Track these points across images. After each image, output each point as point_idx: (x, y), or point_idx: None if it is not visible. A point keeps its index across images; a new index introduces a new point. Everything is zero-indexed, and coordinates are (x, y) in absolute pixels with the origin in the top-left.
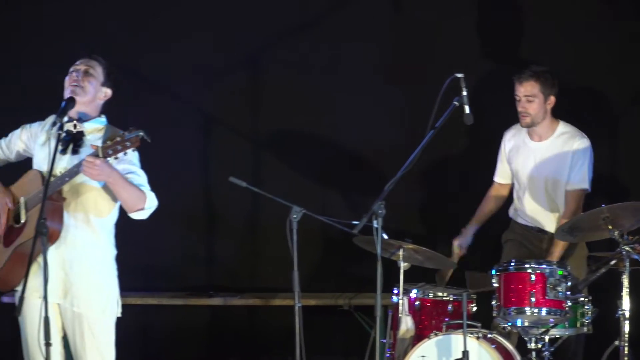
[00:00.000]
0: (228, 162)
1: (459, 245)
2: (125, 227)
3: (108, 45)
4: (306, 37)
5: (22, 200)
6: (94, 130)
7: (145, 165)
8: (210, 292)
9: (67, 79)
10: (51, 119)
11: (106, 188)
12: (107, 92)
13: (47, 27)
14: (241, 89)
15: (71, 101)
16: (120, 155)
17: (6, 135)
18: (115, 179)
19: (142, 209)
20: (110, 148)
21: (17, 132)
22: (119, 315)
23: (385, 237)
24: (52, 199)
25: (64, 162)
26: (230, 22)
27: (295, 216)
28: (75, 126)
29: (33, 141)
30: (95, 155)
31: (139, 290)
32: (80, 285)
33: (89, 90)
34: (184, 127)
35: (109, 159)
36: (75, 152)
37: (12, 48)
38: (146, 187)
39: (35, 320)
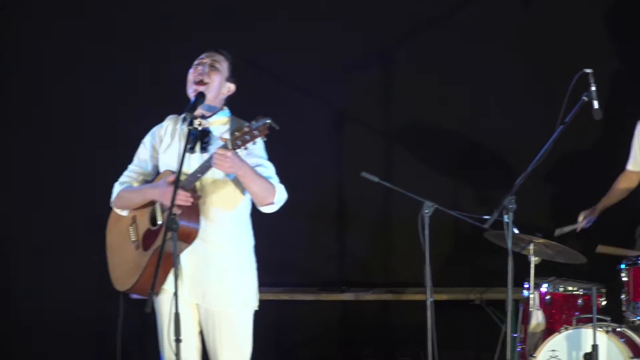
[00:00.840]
0: (360, 157)
1: (585, 217)
2: (257, 222)
3: (236, 39)
4: (438, 31)
5: (157, 202)
6: (219, 122)
7: (277, 160)
8: (342, 287)
9: (190, 71)
10: (169, 120)
11: (236, 182)
12: (231, 87)
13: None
14: (373, 84)
15: (201, 96)
16: (249, 145)
17: (130, 162)
18: (245, 172)
19: (272, 203)
20: (239, 139)
21: (141, 149)
22: (256, 308)
23: (516, 231)
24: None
25: (194, 161)
26: (361, 16)
27: (427, 211)
28: (200, 124)
29: (159, 146)
30: (225, 147)
31: (271, 285)
32: (218, 284)
33: (214, 85)
34: (316, 123)
35: (238, 150)
36: (204, 149)
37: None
38: (275, 179)
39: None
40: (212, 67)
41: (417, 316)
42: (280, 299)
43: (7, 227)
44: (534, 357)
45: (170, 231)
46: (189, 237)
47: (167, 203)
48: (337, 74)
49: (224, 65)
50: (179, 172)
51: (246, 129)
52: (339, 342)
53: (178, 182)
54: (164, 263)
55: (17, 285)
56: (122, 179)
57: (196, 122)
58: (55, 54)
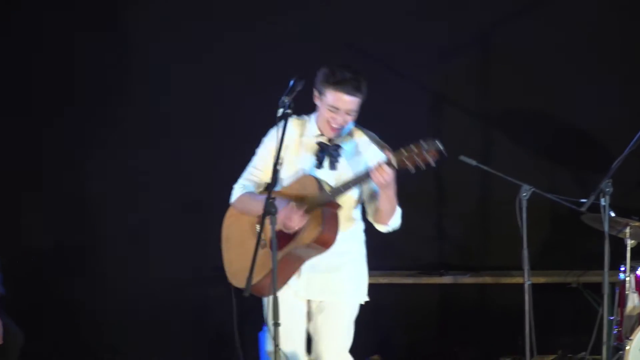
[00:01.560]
0: (458, 141)
1: None
2: None
3: (337, 22)
4: (536, 16)
5: (292, 204)
6: (345, 138)
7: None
8: (441, 271)
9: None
10: (290, 122)
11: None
12: (316, 96)
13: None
14: (470, 68)
15: (299, 80)
16: (412, 167)
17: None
18: (392, 191)
19: (387, 224)
20: (407, 159)
21: (263, 151)
22: (367, 299)
23: (613, 214)
24: (331, 206)
25: (322, 176)
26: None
27: (524, 194)
28: (330, 140)
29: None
30: (388, 163)
31: (370, 269)
32: (336, 283)
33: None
34: (413, 106)
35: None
36: (332, 166)
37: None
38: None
39: (285, 309)
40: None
41: (515, 299)
42: (380, 283)
43: (103, 211)
44: (630, 339)
45: (269, 215)
46: (326, 244)
47: (290, 226)
48: (436, 58)
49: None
50: (275, 165)
51: (416, 150)
52: (437, 325)
53: (273, 184)
54: (291, 264)
55: (113, 271)
56: (243, 181)
57: (324, 138)
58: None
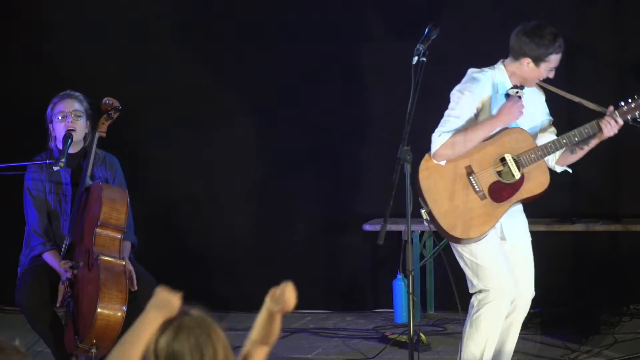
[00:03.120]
0: (591, 91)
1: None
2: None
3: None
4: None
5: (508, 156)
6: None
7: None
8: (573, 218)
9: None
10: (484, 74)
11: None
12: (526, 61)
13: None
14: (603, 18)
15: (434, 28)
16: (631, 121)
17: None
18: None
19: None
20: (629, 112)
21: (469, 98)
22: None
23: None
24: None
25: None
26: None
27: None
28: (517, 92)
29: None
30: (611, 116)
31: None
32: (525, 225)
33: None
34: None
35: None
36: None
37: None
38: None
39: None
40: None
41: None
42: None
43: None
44: None
45: (404, 162)
46: (545, 191)
47: (515, 114)
48: (568, 8)
49: None
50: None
51: (633, 105)
52: (569, 271)
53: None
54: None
55: (242, 224)
56: (445, 128)
57: (512, 91)
58: None
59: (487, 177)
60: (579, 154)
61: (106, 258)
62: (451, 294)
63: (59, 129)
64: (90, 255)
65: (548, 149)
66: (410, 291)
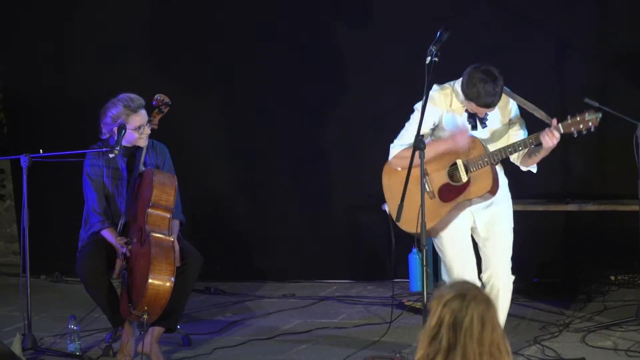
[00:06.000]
0: (581, 84)
1: None
2: None
3: None
4: None
5: (459, 161)
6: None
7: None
8: (567, 199)
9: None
10: (442, 92)
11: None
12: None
13: None
14: (591, 15)
15: (445, 31)
16: (575, 133)
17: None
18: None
19: (533, 166)
20: (572, 126)
21: (433, 110)
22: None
23: None
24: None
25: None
26: None
27: None
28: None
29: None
30: (556, 129)
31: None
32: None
33: None
34: (540, 53)
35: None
36: (484, 125)
37: None
38: None
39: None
40: None
41: (630, 224)
42: (514, 210)
43: (273, 148)
44: None
45: (419, 150)
46: (494, 193)
47: (461, 144)
48: (561, 6)
49: None
50: (420, 123)
51: (578, 119)
52: (561, 246)
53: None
54: (458, 209)
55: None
56: (400, 141)
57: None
58: None
59: (438, 179)
60: (536, 158)
61: (157, 235)
62: None
63: (131, 135)
64: (143, 232)
65: (495, 156)
66: (424, 263)
